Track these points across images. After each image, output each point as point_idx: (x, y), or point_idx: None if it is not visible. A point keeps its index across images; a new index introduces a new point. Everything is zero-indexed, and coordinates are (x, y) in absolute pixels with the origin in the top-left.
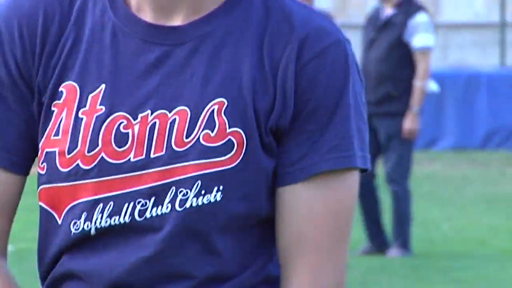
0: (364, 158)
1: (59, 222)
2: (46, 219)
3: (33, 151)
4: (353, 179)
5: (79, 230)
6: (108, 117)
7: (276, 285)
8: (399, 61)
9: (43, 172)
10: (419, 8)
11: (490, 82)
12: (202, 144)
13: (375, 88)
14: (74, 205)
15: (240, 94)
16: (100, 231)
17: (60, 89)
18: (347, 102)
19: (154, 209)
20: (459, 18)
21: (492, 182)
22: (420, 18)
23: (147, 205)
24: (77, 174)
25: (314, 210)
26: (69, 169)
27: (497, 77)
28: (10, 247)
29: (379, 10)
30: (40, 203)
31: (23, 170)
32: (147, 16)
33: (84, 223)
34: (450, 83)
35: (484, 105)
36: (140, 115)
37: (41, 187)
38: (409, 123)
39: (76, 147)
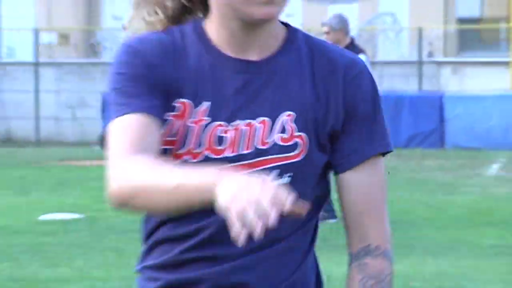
0: (391, 144)
1: None
2: None
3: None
4: (383, 160)
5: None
6: (210, 124)
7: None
8: None
9: (183, 156)
10: (360, 50)
11: (411, 102)
12: (277, 144)
13: None
14: None
15: (303, 109)
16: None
17: (176, 104)
18: (379, 107)
19: None
20: (390, 57)
21: (413, 171)
22: (361, 57)
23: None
24: (188, 164)
25: (371, 184)
26: (179, 161)
27: (416, 98)
28: (80, 215)
29: None
30: None
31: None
32: (228, 50)
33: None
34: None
35: (407, 117)
36: (232, 124)
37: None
38: None
39: (185, 146)
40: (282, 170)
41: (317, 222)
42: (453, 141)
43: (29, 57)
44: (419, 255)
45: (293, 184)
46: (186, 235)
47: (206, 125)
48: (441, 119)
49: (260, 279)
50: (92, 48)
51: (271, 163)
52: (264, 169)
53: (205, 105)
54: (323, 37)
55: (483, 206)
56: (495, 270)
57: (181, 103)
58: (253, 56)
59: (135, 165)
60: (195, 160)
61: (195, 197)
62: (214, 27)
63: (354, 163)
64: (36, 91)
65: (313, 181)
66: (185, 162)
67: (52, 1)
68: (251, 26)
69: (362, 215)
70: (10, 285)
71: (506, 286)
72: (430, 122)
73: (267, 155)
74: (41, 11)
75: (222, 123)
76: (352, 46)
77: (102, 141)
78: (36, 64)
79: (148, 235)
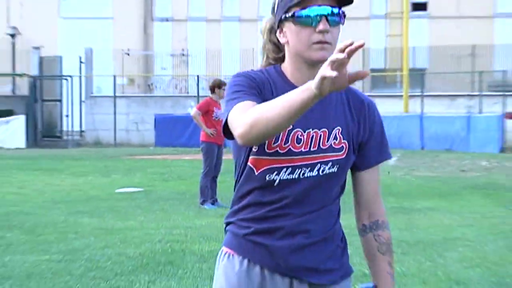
0: (391, 154)
1: (256, 174)
2: (248, 172)
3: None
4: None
5: (270, 179)
6: (293, 130)
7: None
8: None
9: (254, 150)
10: None
11: None
12: (332, 147)
13: None
14: (270, 167)
15: (346, 126)
16: (280, 182)
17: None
18: (384, 130)
19: (310, 173)
20: None
21: None
22: None
23: (306, 171)
24: (277, 154)
25: (377, 179)
26: (271, 151)
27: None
28: (141, 189)
29: None
30: (249, 164)
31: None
32: (298, 83)
33: (274, 176)
34: None
35: None
36: (307, 130)
37: (251, 157)
38: None
39: (278, 142)
40: (333, 163)
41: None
42: None
43: (110, 92)
44: (348, 213)
45: (339, 172)
46: (272, 201)
47: (290, 131)
48: None
49: (316, 227)
50: (148, 87)
51: (328, 158)
52: (323, 161)
53: None
54: None
55: (387, 183)
56: (394, 222)
57: None
58: None
59: (248, 112)
60: (282, 152)
61: (299, 100)
62: (289, 69)
63: (371, 165)
64: (114, 113)
65: (347, 172)
66: (276, 152)
67: (124, 58)
68: (311, 65)
69: (370, 200)
70: (98, 231)
71: (401, 232)
72: None
73: (326, 153)
74: (117, 64)
75: (299, 130)
76: None
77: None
78: (114, 97)
79: (240, 199)
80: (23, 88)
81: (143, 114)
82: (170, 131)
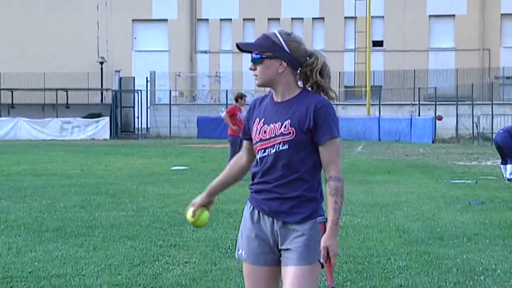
0: (336, 133)
1: (258, 156)
2: (256, 156)
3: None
4: (337, 140)
5: (257, 158)
6: (262, 126)
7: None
8: None
9: (254, 142)
10: None
11: None
12: (282, 132)
13: None
14: (257, 151)
15: (295, 118)
16: (260, 159)
17: (254, 120)
18: (326, 120)
19: (272, 150)
20: None
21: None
22: None
23: (271, 150)
24: (256, 142)
25: (331, 151)
26: (255, 141)
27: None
28: (187, 167)
29: None
30: (257, 149)
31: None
32: (274, 98)
33: (257, 155)
34: None
35: None
36: (270, 125)
37: (254, 146)
38: None
39: (255, 134)
40: (284, 143)
41: (319, 175)
42: (342, 137)
43: (167, 101)
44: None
45: (290, 149)
46: (259, 171)
47: (261, 127)
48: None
49: (282, 190)
50: (193, 98)
51: (279, 140)
52: (277, 142)
53: (264, 118)
54: None
55: (355, 163)
56: (359, 190)
57: (255, 120)
58: (279, 100)
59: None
60: (257, 140)
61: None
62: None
63: (320, 143)
64: (170, 116)
65: (304, 150)
66: (255, 142)
67: (177, 78)
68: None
69: (326, 164)
70: (158, 196)
71: (364, 197)
72: None
73: (278, 137)
74: (172, 82)
75: (265, 125)
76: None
77: None
78: (170, 105)
79: (253, 172)
80: (108, 98)
81: (190, 116)
82: (207, 128)
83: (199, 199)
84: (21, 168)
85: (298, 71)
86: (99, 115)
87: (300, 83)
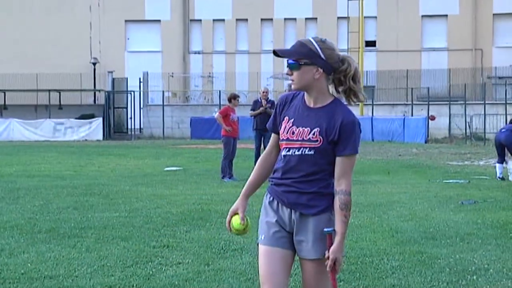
0: (356, 150)
1: (282, 153)
2: (280, 152)
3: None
4: (355, 157)
5: (282, 155)
6: (292, 127)
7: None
8: None
9: (280, 138)
10: None
11: None
12: (311, 139)
13: None
14: (282, 148)
15: (323, 128)
16: (285, 156)
17: (284, 117)
18: (351, 136)
19: (297, 152)
20: None
21: None
22: None
23: (295, 151)
24: (282, 140)
25: (346, 165)
26: (282, 139)
27: None
28: (180, 168)
29: None
30: (282, 146)
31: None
32: (306, 102)
33: (282, 153)
34: None
35: None
36: (298, 127)
37: (280, 141)
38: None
39: (283, 133)
40: (310, 148)
41: (332, 180)
42: None
43: (160, 102)
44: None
45: (315, 154)
46: (283, 167)
47: (290, 127)
48: None
49: (302, 186)
50: (186, 98)
51: (306, 144)
52: (304, 146)
53: (293, 118)
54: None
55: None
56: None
57: (285, 117)
58: (311, 105)
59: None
60: (284, 138)
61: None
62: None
63: (338, 154)
64: (163, 116)
65: (327, 158)
66: (282, 140)
67: (169, 79)
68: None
69: (338, 176)
70: (152, 197)
71: (358, 197)
72: None
73: (306, 141)
74: (165, 83)
75: (294, 126)
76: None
77: None
78: (163, 105)
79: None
80: (101, 99)
81: (183, 117)
82: (201, 128)
83: (240, 205)
84: (14, 169)
85: (331, 76)
86: (92, 116)
87: (331, 88)
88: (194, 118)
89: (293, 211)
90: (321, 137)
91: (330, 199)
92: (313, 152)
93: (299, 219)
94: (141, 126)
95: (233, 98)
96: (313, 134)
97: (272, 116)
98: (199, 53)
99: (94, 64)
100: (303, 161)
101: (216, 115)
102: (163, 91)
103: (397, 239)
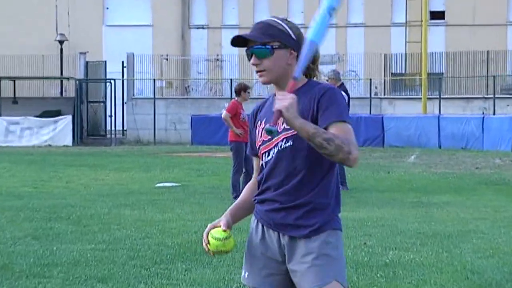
0: (345, 117)
1: (261, 162)
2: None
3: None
4: (347, 124)
5: (262, 164)
6: (265, 126)
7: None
8: None
9: (257, 148)
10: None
11: (366, 120)
12: (285, 128)
13: None
14: (262, 154)
15: (298, 110)
16: (266, 164)
17: (257, 123)
18: (332, 103)
19: (275, 149)
20: (353, 95)
21: (366, 159)
22: (344, 92)
23: (274, 150)
24: (259, 147)
25: (339, 132)
26: (258, 146)
27: (368, 118)
28: (178, 184)
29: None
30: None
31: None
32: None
33: (262, 161)
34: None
35: (364, 129)
36: (267, 123)
37: (259, 152)
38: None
39: (258, 138)
40: (287, 139)
41: (333, 176)
42: (389, 142)
43: (150, 94)
44: (370, 207)
45: (295, 144)
46: (263, 178)
47: (263, 127)
48: (382, 130)
49: (285, 199)
50: (185, 89)
51: (282, 137)
52: (280, 139)
53: (265, 119)
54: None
55: (406, 179)
56: (413, 216)
57: (258, 122)
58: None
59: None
60: (259, 144)
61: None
62: None
63: (327, 124)
64: (154, 114)
65: (309, 146)
66: (258, 147)
67: (163, 63)
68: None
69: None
70: (139, 223)
71: (419, 225)
72: (376, 131)
73: (281, 133)
74: (156, 68)
75: (267, 124)
76: (342, 86)
77: None
78: (154, 99)
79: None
80: (70, 90)
81: (181, 115)
82: (205, 130)
83: (223, 219)
84: None
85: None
86: (58, 113)
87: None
88: (196, 117)
89: (281, 234)
90: None
91: (327, 213)
92: (291, 143)
93: (289, 243)
94: (125, 127)
95: (242, 89)
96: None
97: (249, 139)
98: (203, 27)
99: (61, 42)
100: (282, 157)
101: (223, 113)
102: (154, 80)
103: (473, 282)
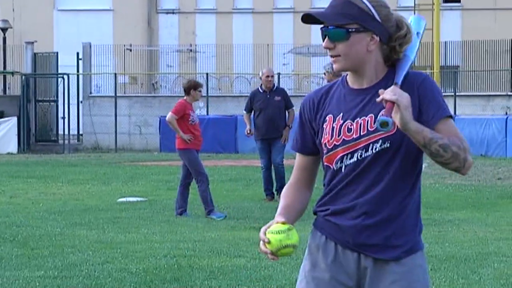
0: (449, 111)
1: (331, 168)
2: (326, 169)
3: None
4: (451, 120)
5: (338, 167)
6: (343, 123)
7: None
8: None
9: (324, 152)
10: None
11: None
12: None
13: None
14: (336, 159)
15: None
16: (346, 167)
17: (324, 119)
18: (436, 94)
19: (365, 153)
20: None
21: None
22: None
23: (363, 152)
24: (335, 147)
25: (450, 129)
26: (331, 147)
27: None
28: (144, 199)
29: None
30: (325, 163)
31: (313, 154)
32: (353, 85)
33: (340, 164)
34: None
35: None
36: (355, 120)
37: (324, 158)
38: (285, 134)
39: (333, 137)
40: (384, 140)
41: (420, 179)
42: None
43: (110, 92)
44: None
45: (393, 146)
46: (342, 184)
47: (341, 125)
48: None
49: (376, 209)
50: (152, 86)
51: (377, 137)
52: (374, 140)
53: (341, 114)
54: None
55: None
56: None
57: (328, 116)
58: (364, 85)
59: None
60: (338, 143)
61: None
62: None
63: (435, 124)
64: (115, 115)
65: (405, 149)
66: (335, 146)
67: (126, 54)
68: (351, 72)
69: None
70: (97, 245)
71: (430, 246)
72: None
73: (374, 133)
74: (118, 61)
75: (349, 121)
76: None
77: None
78: (115, 97)
79: (324, 190)
80: (15, 87)
81: (147, 116)
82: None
83: (278, 216)
84: None
85: (385, 46)
86: (0, 115)
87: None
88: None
89: (362, 255)
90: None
91: (417, 230)
92: (388, 145)
93: (374, 267)
94: (80, 131)
95: (193, 88)
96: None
97: (297, 131)
98: (173, 12)
99: (4, 30)
100: (377, 161)
101: (168, 115)
102: (115, 74)
103: None
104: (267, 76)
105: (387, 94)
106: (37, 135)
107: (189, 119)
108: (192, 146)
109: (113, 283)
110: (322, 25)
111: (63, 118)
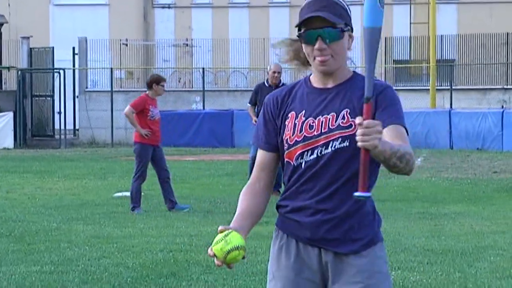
0: (403, 121)
1: (291, 164)
2: (286, 165)
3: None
4: (402, 128)
5: (298, 163)
6: (305, 120)
7: None
8: None
9: (285, 148)
10: None
11: None
12: (340, 125)
13: None
14: (296, 155)
15: (354, 106)
16: (306, 163)
17: (287, 115)
18: (392, 104)
19: (325, 150)
20: None
21: None
22: None
23: (322, 150)
24: (296, 143)
25: (396, 133)
26: (292, 143)
27: None
28: (121, 194)
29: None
30: (285, 159)
31: (275, 151)
32: (318, 85)
33: (300, 160)
34: None
35: None
36: (317, 117)
37: (285, 154)
38: None
39: (295, 133)
40: (343, 138)
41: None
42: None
43: (106, 87)
44: None
45: (352, 145)
46: (301, 180)
47: (303, 121)
48: None
49: (333, 205)
50: None
51: (337, 135)
52: (334, 138)
53: (303, 111)
54: None
55: (411, 186)
56: (419, 229)
57: (290, 114)
58: (329, 85)
59: None
60: (299, 139)
61: None
62: (313, 75)
63: (385, 126)
64: (111, 110)
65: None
66: (295, 142)
67: (122, 49)
68: (322, 74)
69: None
70: (94, 240)
71: (427, 240)
72: None
73: (335, 131)
74: (114, 55)
75: (311, 118)
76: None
77: None
78: (111, 92)
79: (284, 187)
80: (11, 82)
81: None
82: (172, 129)
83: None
84: None
85: None
86: None
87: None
88: (162, 113)
89: (323, 250)
90: (354, 120)
91: (374, 223)
92: (347, 144)
93: (334, 261)
94: (77, 126)
95: (155, 82)
96: (343, 118)
97: (260, 128)
98: (169, 7)
99: (0, 25)
100: (335, 158)
101: (126, 108)
102: (111, 69)
103: None
104: (274, 72)
105: (364, 136)
106: (33, 130)
107: (148, 114)
108: (148, 142)
109: (109, 278)
110: (311, 28)
111: (59, 113)
